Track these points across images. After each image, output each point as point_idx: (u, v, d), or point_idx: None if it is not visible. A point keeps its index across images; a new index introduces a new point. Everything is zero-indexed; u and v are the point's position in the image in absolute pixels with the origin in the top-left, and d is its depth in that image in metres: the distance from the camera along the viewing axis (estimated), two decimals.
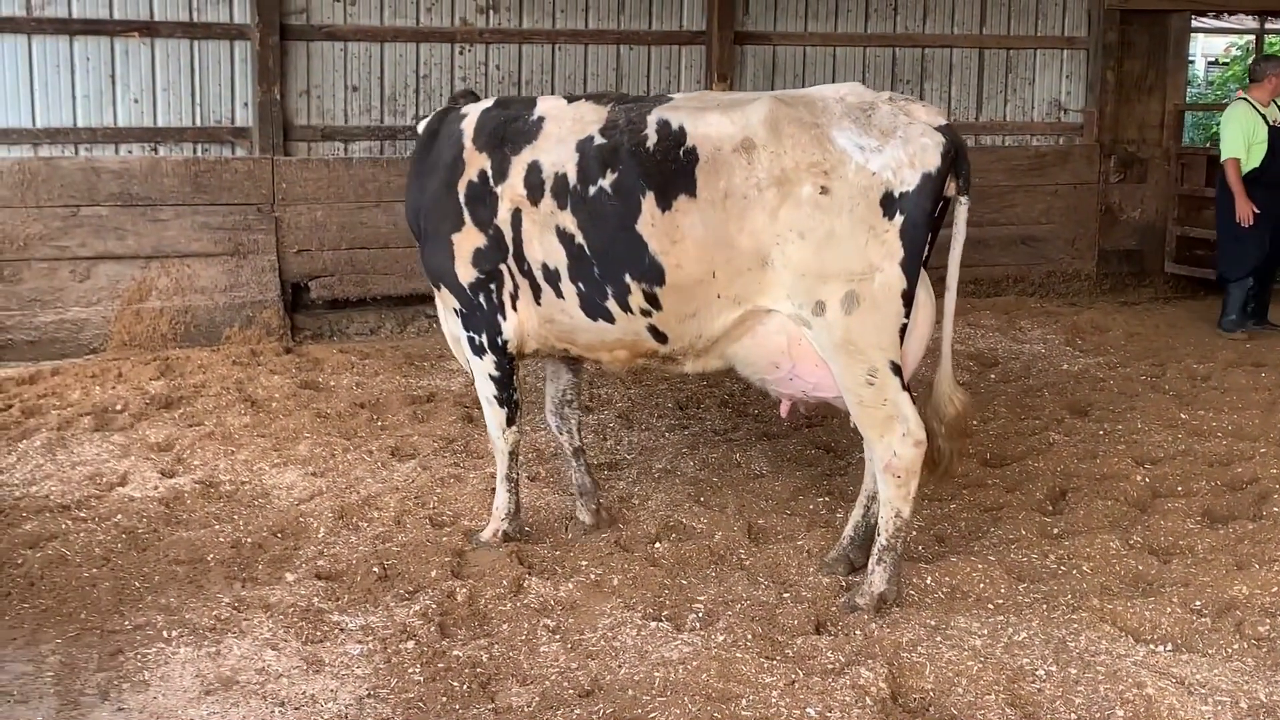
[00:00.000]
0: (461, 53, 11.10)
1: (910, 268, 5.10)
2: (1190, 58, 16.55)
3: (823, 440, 7.59)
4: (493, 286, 5.77)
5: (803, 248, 5.11)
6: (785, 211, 5.13)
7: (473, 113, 5.90)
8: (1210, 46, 22.36)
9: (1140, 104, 12.95)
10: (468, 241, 5.76)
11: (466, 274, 5.79)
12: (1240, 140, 10.62)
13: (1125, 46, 12.81)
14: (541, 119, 5.70)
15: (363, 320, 10.72)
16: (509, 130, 5.74)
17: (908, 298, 5.13)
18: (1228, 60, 21.00)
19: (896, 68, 12.47)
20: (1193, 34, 15.09)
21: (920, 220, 5.08)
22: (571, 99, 5.76)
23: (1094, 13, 12.81)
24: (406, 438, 7.64)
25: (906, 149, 5.07)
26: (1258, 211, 10.54)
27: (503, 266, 5.73)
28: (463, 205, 5.76)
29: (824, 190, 5.08)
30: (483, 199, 5.71)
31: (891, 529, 5.28)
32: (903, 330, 5.16)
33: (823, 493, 6.70)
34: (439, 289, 5.96)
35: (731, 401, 8.50)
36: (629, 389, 8.76)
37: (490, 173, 5.70)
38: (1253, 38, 17.58)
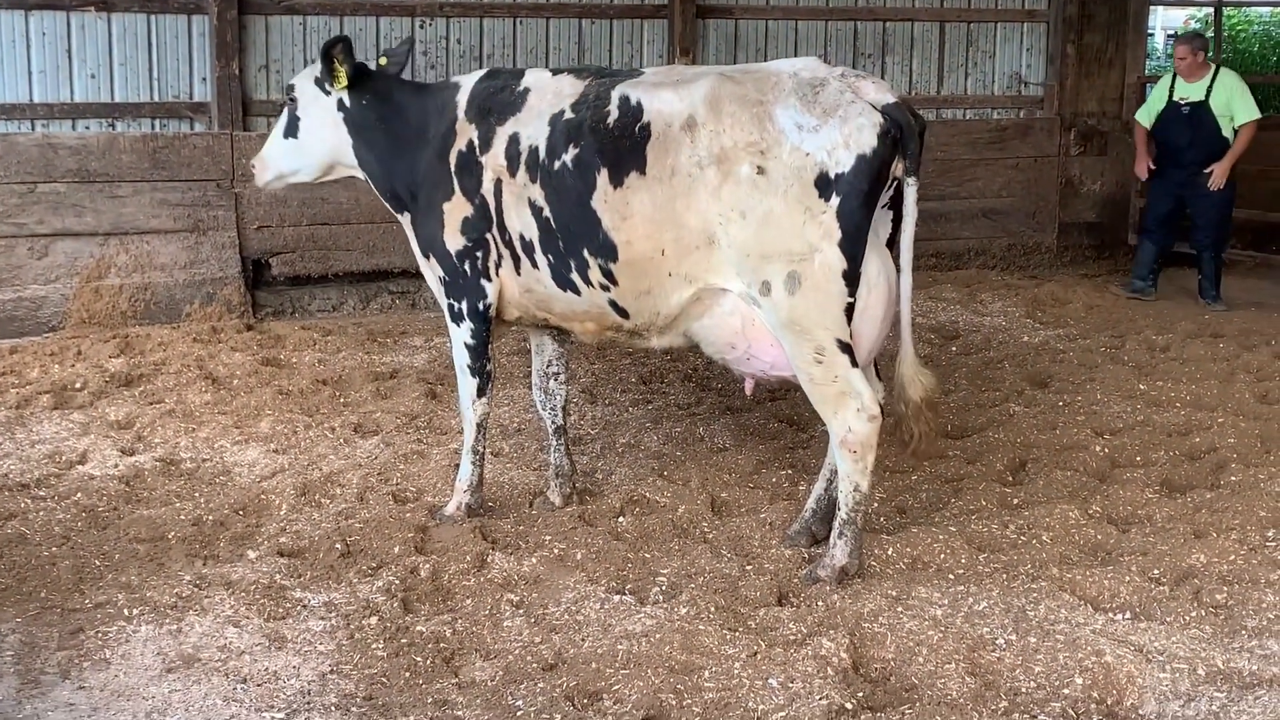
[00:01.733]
0: (422, 26, 11.03)
1: (849, 248, 5.09)
2: (1150, 30, 16.59)
3: (785, 414, 7.62)
4: (479, 254, 5.82)
5: (744, 227, 5.13)
6: (726, 190, 5.15)
7: (466, 84, 5.96)
8: (1169, 19, 22.46)
9: (1100, 77, 13.00)
10: (457, 211, 5.81)
11: (455, 242, 5.84)
12: (1148, 105, 11.38)
13: (1085, 20, 12.84)
14: (526, 91, 5.76)
15: (325, 297, 10.66)
16: (495, 101, 5.80)
17: (849, 277, 5.12)
18: None
19: (858, 41, 12.47)
20: (1152, 7, 15.14)
21: (857, 201, 5.05)
22: (556, 72, 5.82)
23: None
24: (369, 414, 7.62)
25: (843, 129, 5.04)
26: (1152, 168, 11.19)
27: (488, 235, 5.78)
28: (453, 175, 5.81)
29: (760, 170, 5.10)
30: (470, 169, 5.77)
31: (850, 503, 5.30)
32: (850, 309, 5.17)
33: (785, 466, 6.73)
34: (428, 258, 6.00)
35: (695, 376, 8.52)
36: (592, 364, 8.76)
37: (477, 143, 5.76)
38: (1211, 10, 17.66)
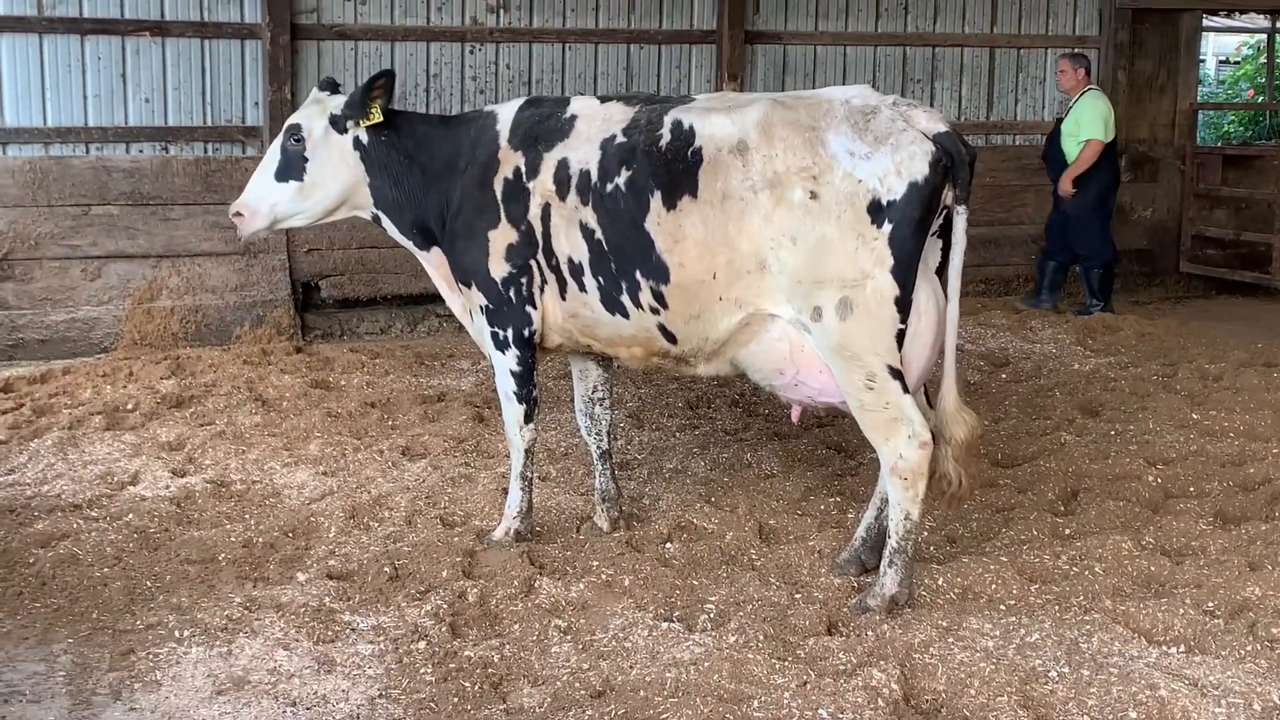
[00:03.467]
0: (472, 52, 11.12)
1: (901, 275, 5.07)
2: (1201, 57, 16.49)
3: (834, 440, 7.58)
4: (523, 280, 5.82)
5: (795, 253, 5.12)
6: (779, 215, 5.14)
7: (505, 113, 5.96)
8: (1221, 46, 22.29)
9: (1151, 103, 12.94)
10: (502, 237, 5.81)
11: (500, 269, 5.83)
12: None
13: (1136, 46, 12.80)
14: (574, 117, 5.77)
15: (373, 319, 10.74)
16: (542, 129, 5.81)
17: (902, 304, 5.09)
18: (1239, 59, 20.93)
19: (907, 67, 12.46)
20: (1204, 33, 15.05)
21: (909, 229, 5.04)
22: (604, 99, 5.84)
23: (1105, 12, 12.81)
24: (417, 437, 7.65)
25: (895, 156, 5.03)
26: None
27: (532, 261, 5.79)
28: (499, 202, 5.81)
29: (813, 195, 5.09)
30: (517, 195, 5.77)
31: (901, 531, 5.25)
32: (900, 335, 5.14)
33: (834, 493, 6.69)
34: (468, 286, 5.98)
35: (742, 401, 8.49)
36: (639, 388, 8.75)
37: (524, 169, 5.77)
38: (1264, 37, 17.53)
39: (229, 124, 10.40)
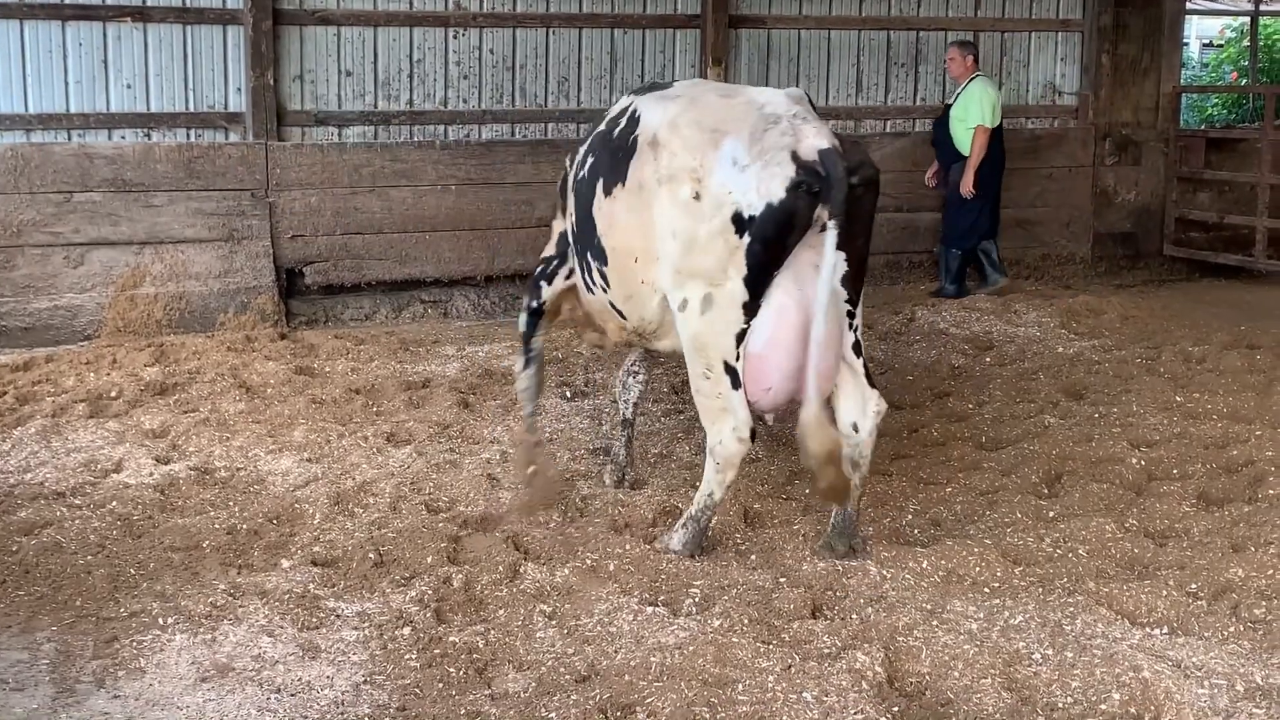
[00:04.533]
0: (455, 36, 11.07)
1: (752, 283, 5.33)
2: (1184, 40, 16.50)
3: None
4: (555, 262, 6.56)
5: (675, 246, 5.46)
6: (670, 209, 5.46)
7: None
8: (1204, 29, 22.32)
9: (1135, 86, 12.94)
10: (559, 225, 6.58)
11: (546, 252, 6.66)
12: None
13: (1120, 29, 12.79)
14: (610, 108, 6.29)
15: (358, 305, 10.71)
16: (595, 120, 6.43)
17: (748, 309, 5.37)
18: (1222, 42, 20.97)
19: (891, 50, 12.44)
20: (1187, 16, 15.06)
21: (762, 244, 5.28)
22: (637, 91, 6.33)
23: None
24: (402, 423, 7.63)
25: (760, 175, 5.25)
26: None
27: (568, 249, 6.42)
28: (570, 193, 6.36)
29: (696, 196, 5.38)
30: (566, 187, 6.41)
31: (702, 504, 5.70)
32: (740, 336, 5.40)
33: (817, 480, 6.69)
34: None
35: None
36: None
37: (577, 160, 6.28)
38: (1247, 20, 17.56)
39: (211, 110, 10.33)
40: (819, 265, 5.24)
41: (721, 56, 11.75)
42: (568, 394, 8.33)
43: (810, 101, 5.84)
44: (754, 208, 5.23)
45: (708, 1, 11.64)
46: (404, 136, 10.91)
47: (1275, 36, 19.38)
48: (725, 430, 5.50)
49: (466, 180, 10.83)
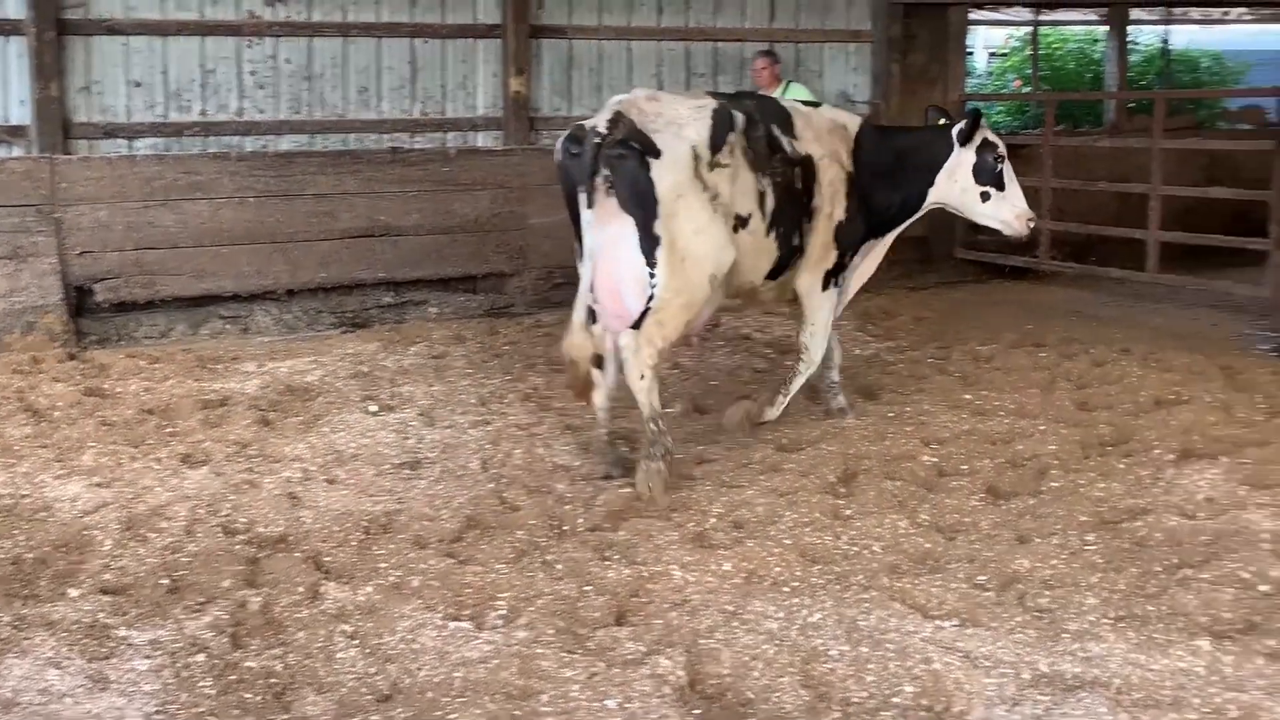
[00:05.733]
0: (250, 46, 10.85)
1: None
2: (970, 49, 17.12)
3: (625, 430, 7.63)
4: None
5: None
6: None
7: None
8: (991, 39, 23.18)
9: (924, 95, 13.31)
10: None
11: None
12: None
13: (908, 40, 13.22)
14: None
15: (152, 323, 10.35)
16: None
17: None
18: (1007, 51, 21.80)
19: (690, 61, 12.63)
20: (973, 26, 15.63)
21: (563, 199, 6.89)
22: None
23: (878, 7, 13.18)
24: (198, 444, 7.42)
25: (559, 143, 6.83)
26: None
27: None
28: None
29: None
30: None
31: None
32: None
33: (625, 484, 6.74)
34: None
35: (534, 395, 8.50)
36: (431, 386, 8.69)
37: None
38: (1029, 30, 18.29)
39: None
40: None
41: (524, 67, 11.76)
42: (372, 408, 8.21)
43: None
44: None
45: (508, 11, 11.64)
46: (198, 148, 10.64)
47: (1055, 46, 20.23)
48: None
49: (265, 192, 10.54)
